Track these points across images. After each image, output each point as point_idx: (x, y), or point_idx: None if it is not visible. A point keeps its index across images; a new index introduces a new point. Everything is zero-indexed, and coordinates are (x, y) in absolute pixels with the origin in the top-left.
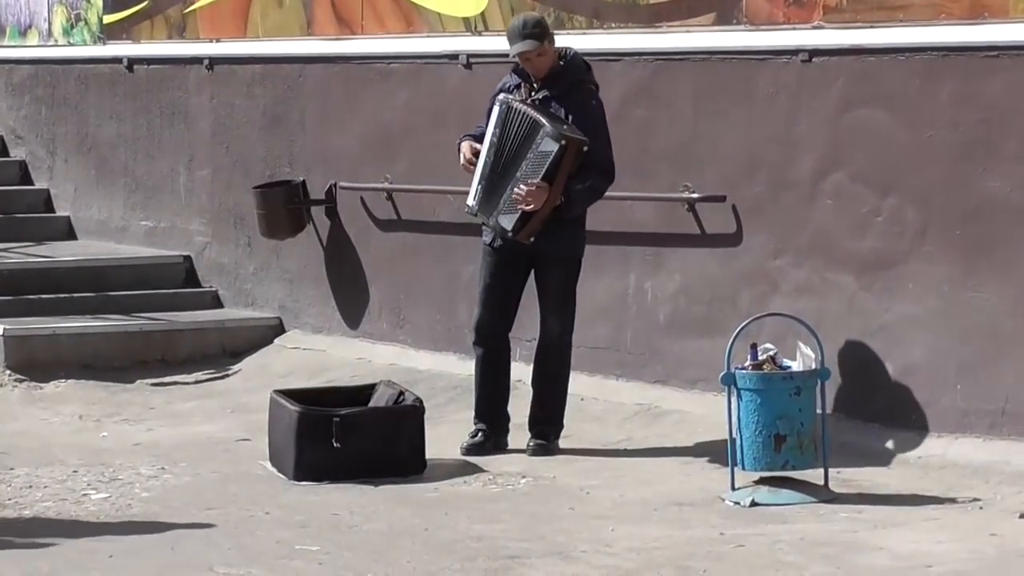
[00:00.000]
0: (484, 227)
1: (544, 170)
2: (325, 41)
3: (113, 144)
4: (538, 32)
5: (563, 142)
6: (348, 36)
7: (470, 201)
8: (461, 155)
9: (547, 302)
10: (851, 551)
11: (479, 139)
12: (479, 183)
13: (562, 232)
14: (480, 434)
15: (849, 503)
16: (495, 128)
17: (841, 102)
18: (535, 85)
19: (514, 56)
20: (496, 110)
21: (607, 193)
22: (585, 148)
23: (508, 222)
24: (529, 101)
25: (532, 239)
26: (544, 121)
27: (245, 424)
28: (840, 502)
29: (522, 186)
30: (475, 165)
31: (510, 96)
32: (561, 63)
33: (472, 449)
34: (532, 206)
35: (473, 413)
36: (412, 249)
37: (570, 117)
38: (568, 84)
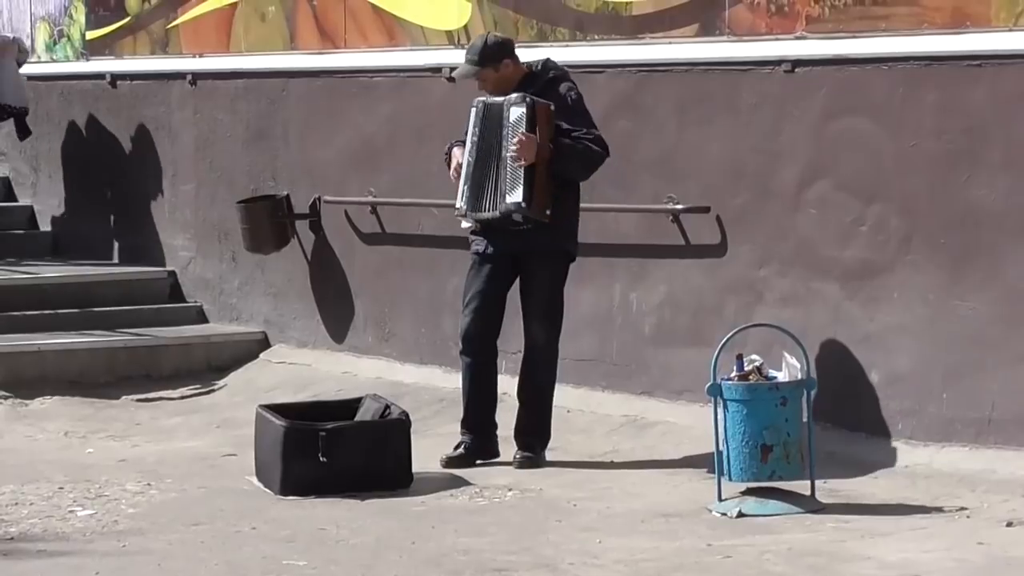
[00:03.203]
0: (472, 235)
1: (523, 129)
2: (308, 55)
3: (96, 160)
4: (477, 59)
5: (528, 100)
6: (331, 50)
7: (458, 204)
8: (453, 160)
9: (533, 307)
10: (838, 561)
11: None
12: (464, 183)
13: (551, 226)
14: (463, 447)
15: (836, 513)
16: (474, 128)
17: (824, 112)
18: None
19: (457, 79)
20: (472, 111)
21: (591, 204)
22: (552, 108)
23: (516, 195)
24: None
25: (548, 212)
26: (505, 97)
27: (231, 439)
28: (827, 512)
29: (513, 143)
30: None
31: (486, 97)
32: (530, 70)
33: (452, 461)
34: (526, 158)
35: (460, 425)
36: (397, 262)
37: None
38: (543, 82)
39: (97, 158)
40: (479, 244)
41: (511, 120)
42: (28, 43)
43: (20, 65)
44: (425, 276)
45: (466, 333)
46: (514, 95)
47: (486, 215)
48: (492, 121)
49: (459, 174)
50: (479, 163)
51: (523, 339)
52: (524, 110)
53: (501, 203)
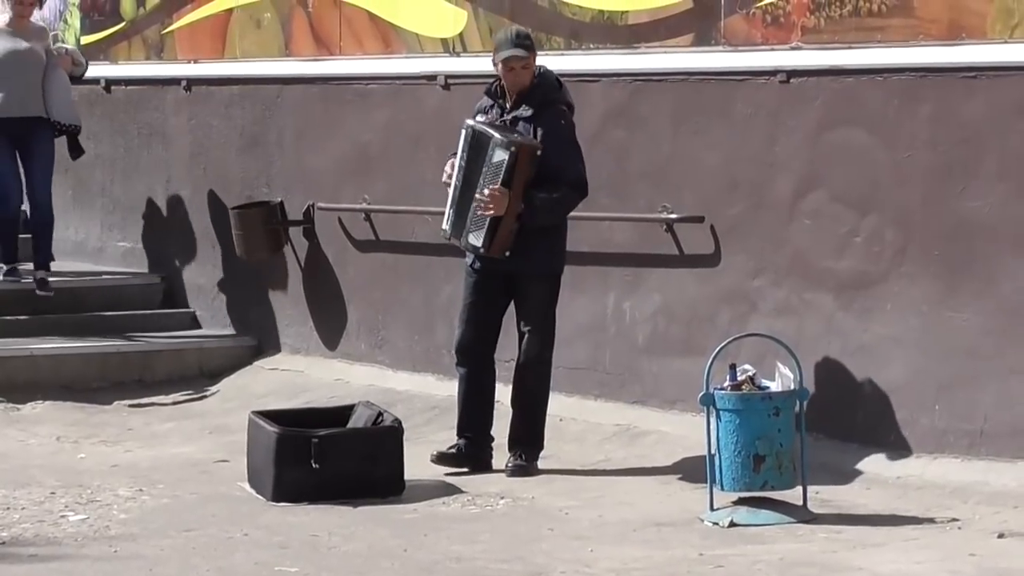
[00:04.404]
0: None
1: (500, 179)
2: (303, 62)
3: (91, 165)
4: (528, 44)
5: (513, 148)
6: (326, 57)
7: (444, 226)
8: (444, 173)
9: (526, 320)
10: (830, 571)
11: None
12: (450, 207)
13: (539, 249)
14: (455, 448)
15: (828, 523)
16: (462, 152)
17: (820, 122)
18: (507, 105)
19: (500, 61)
20: (462, 136)
21: (586, 213)
22: (538, 152)
23: (477, 239)
24: (499, 122)
25: (507, 253)
26: (493, 133)
27: (223, 445)
28: (819, 522)
29: (484, 191)
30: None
31: (474, 120)
32: (534, 81)
33: (443, 458)
34: (493, 211)
35: (455, 433)
36: (390, 270)
37: (539, 135)
38: (539, 104)
39: (91, 163)
40: (468, 256)
41: (492, 161)
42: (82, 57)
43: (78, 78)
44: (418, 284)
45: (459, 344)
46: (499, 136)
47: (459, 243)
48: (477, 152)
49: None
50: (463, 191)
51: (516, 349)
52: (506, 157)
53: (465, 239)
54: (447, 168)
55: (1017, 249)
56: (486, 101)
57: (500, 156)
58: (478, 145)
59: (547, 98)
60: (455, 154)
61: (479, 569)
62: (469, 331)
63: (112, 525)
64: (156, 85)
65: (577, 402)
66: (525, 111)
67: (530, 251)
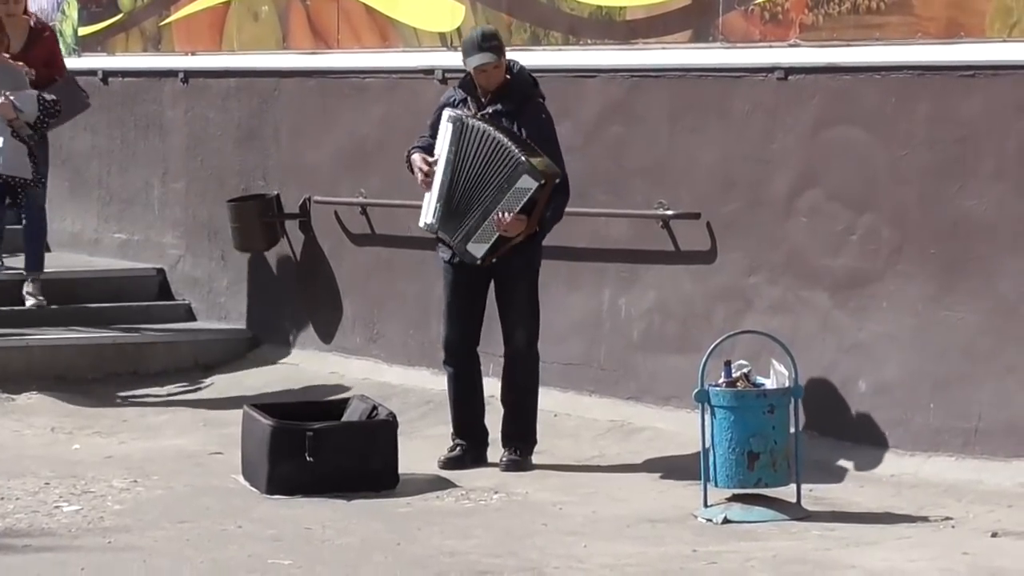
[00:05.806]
0: (441, 244)
1: (521, 204)
2: (300, 55)
3: (87, 156)
4: (496, 45)
5: (542, 181)
6: (324, 50)
7: (429, 219)
8: (417, 170)
9: (512, 315)
10: (823, 569)
11: (428, 150)
12: (437, 201)
13: (521, 248)
14: (459, 448)
15: (822, 521)
16: (450, 146)
17: (817, 120)
18: (483, 100)
19: (472, 68)
20: (449, 127)
21: (582, 209)
22: (558, 180)
23: (479, 250)
24: (480, 116)
25: (494, 260)
26: (519, 154)
27: (218, 437)
28: (813, 520)
29: (505, 214)
30: (431, 177)
31: (461, 112)
32: (508, 77)
33: (450, 463)
34: (511, 235)
35: (450, 428)
36: (386, 264)
37: (523, 132)
38: (518, 99)
39: (87, 155)
40: (445, 253)
41: (516, 186)
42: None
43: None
44: (414, 278)
45: (447, 343)
46: (525, 162)
47: (448, 242)
48: (478, 153)
49: (427, 184)
50: (454, 187)
51: (502, 344)
52: (533, 188)
53: (461, 244)
54: (420, 164)
55: (1014, 248)
56: (458, 94)
57: (527, 184)
58: (483, 149)
59: (525, 93)
60: (418, 148)
61: (472, 564)
62: (456, 330)
63: (106, 516)
64: (153, 77)
65: (571, 398)
66: (505, 106)
67: (512, 251)
